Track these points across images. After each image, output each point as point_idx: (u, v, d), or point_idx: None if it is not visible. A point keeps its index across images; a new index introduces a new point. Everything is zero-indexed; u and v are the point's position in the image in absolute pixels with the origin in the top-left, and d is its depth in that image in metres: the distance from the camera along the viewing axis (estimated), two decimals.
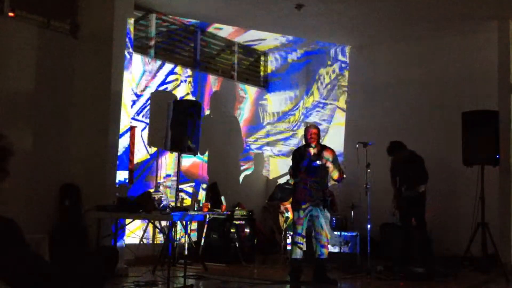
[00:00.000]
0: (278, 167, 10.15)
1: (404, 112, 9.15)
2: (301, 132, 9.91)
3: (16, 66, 6.29)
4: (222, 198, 8.52)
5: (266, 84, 10.38)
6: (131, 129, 7.33)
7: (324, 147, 6.59)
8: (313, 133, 6.44)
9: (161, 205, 6.43)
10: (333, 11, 7.96)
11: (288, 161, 9.80)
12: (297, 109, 10.25)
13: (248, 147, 9.77)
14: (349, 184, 8.45)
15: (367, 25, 8.64)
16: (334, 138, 9.73)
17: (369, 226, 7.19)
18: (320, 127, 9.85)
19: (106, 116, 6.72)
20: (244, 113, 9.79)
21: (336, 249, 7.66)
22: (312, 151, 6.41)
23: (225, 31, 9.18)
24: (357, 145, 7.46)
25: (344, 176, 6.66)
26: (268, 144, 10.19)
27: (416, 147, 7.84)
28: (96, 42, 6.84)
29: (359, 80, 9.73)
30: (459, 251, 7.46)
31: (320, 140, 6.63)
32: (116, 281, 5.96)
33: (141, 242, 7.53)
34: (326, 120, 10.02)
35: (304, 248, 6.34)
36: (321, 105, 10.10)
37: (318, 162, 6.36)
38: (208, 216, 7.64)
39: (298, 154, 6.52)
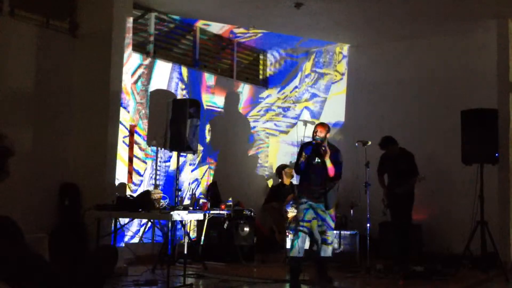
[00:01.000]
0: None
1: (403, 111, 9.16)
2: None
3: (15, 65, 6.29)
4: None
5: (265, 82, 10.38)
6: (131, 128, 7.33)
7: (330, 147, 6.54)
8: (317, 131, 6.40)
9: (161, 204, 6.44)
10: (332, 10, 7.96)
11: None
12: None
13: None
14: (348, 183, 8.46)
15: (366, 24, 8.64)
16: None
17: (368, 225, 7.20)
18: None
19: (105, 115, 6.73)
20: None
21: (336, 245, 7.67)
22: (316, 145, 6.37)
23: (223, 29, 9.18)
24: (356, 144, 7.47)
25: (336, 175, 6.50)
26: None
27: (415, 145, 7.85)
28: (95, 41, 6.84)
29: (358, 78, 9.74)
30: (458, 250, 7.46)
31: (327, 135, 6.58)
32: (115, 280, 5.96)
33: (141, 241, 7.53)
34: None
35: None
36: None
37: (318, 159, 6.36)
38: (207, 215, 7.65)
39: (303, 149, 6.49)
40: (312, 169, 6.38)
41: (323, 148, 6.32)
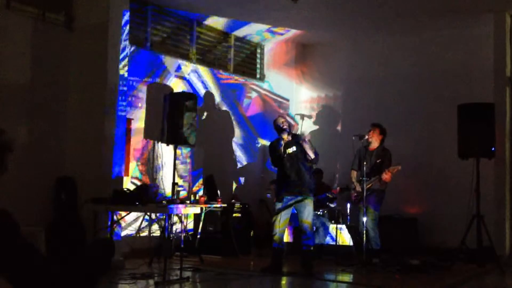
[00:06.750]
0: None
1: (400, 105, 9.15)
2: None
3: (11, 58, 6.26)
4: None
5: (262, 76, 10.35)
6: (128, 121, 7.31)
7: (295, 136, 6.82)
8: (284, 122, 6.71)
9: (157, 198, 6.45)
10: (329, 4, 7.94)
11: None
12: None
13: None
14: (345, 177, 8.47)
15: (363, 18, 8.62)
16: None
17: (364, 218, 7.20)
18: None
19: (102, 109, 6.71)
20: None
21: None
22: (284, 141, 6.59)
23: (221, 23, 9.15)
24: (353, 138, 7.46)
25: (316, 157, 6.71)
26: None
27: (412, 139, 7.87)
28: (91, 34, 6.82)
29: (355, 73, 9.73)
30: (454, 243, 7.48)
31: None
32: (112, 273, 5.96)
33: (137, 235, 7.53)
34: None
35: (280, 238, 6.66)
36: None
37: (290, 150, 6.57)
38: (204, 208, 7.66)
39: (273, 148, 6.74)
40: (286, 161, 6.59)
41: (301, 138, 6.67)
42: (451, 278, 6.54)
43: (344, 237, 7.95)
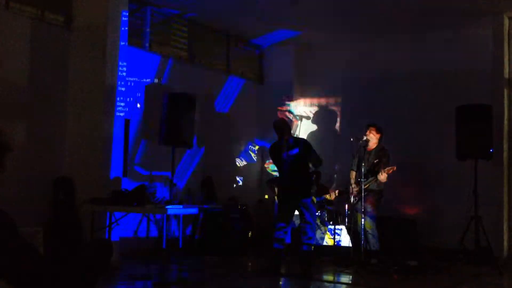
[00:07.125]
0: None
1: (398, 106, 9.15)
2: None
3: (9, 58, 6.26)
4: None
5: (261, 77, 10.36)
6: (125, 121, 7.32)
7: (296, 139, 6.76)
8: (286, 126, 6.67)
9: (156, 198, 6.44)
10: (329, 4, 7.95)
11: None
12: None
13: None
14: (343, 178, 8.47)
15: (363, 18, 8.62)
16: None
17: (363, 219, 7.21)
18: None
19: (100, 109, 6.71)
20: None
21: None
22: (284, 148, 6.53)
23: (220, 23, 9.16)
24: (351, 139, 7.47)
25: (318, 165, 6.80)
26: None
27: (410, 140, 7.86)
28: (90, 35, 6.82)
29: (355, 73, 9.72)
30: (452, 244, 7.49)
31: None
32: (109, 274, 5.96)
33: (136, 235, 7.53)
34: None
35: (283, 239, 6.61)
36: None
37: (293, 152, 6.53)
38: (202, 209, 7.65)
39: (274, 149, 6.69)
40: (286, 163, 6.56)
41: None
42: (449, 278, 6.55)
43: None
